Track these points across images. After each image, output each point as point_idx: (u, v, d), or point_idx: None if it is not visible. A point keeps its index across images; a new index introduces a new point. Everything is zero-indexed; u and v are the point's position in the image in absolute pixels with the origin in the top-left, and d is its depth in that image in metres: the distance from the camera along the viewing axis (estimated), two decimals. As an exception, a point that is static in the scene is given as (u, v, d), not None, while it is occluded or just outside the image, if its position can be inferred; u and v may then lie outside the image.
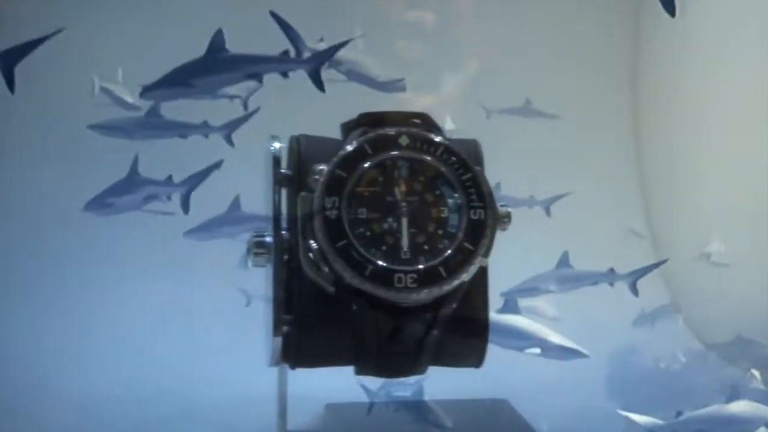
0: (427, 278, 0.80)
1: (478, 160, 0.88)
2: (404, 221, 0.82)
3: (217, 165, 2.68)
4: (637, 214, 3.64)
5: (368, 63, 2.73)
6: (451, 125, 2.61)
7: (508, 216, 0.86)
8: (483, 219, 0.83)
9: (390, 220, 0.82)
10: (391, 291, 0.79)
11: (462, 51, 3.41)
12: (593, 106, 3.58)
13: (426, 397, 2.35)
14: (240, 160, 2.19)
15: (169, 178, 2.72)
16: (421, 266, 0.81)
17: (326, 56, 2.45)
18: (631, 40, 3.66)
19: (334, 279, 0.81)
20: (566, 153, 3.42)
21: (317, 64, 2.40)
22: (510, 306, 2.55)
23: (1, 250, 2.96)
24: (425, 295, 0.80)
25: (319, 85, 2.38)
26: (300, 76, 2.42)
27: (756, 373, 2.75)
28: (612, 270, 2.84)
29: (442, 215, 0.83)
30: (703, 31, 3.34)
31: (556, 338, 2.55)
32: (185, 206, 2.71)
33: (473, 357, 0.88)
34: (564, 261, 2.86)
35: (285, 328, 0.83)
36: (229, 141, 2.71)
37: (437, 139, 0.85)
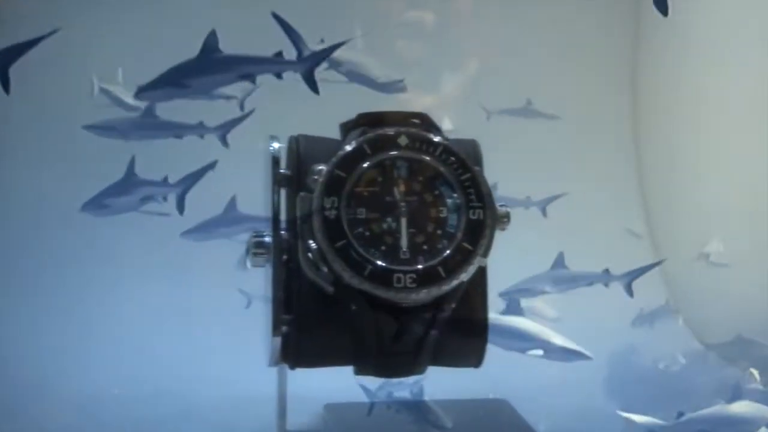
0: (426, 278, 0.80)
1: (477, 160, 0.88)
2: (403, 221, 0.82)
3: (211, 165, 2.67)
4: (637, 215, 3.63)
5: (368, 63, 2.72)
6: (449, 125, 2.60)
7: (507, 216, 0.86)
8: (482, 219, 0.83)
9: (389, 220, 0.82)
10: (390, 291, 0.80)
11: (462, 51, 3.40)
12: (593, 106, 3.57)
13: (426, 398, 2.35)
14: (237, 161, 2.18)
15: (165, 178, 2.70)
16: (420, 266, 0.81)
17: (320, 58, 2.42)
18: (631, 40, 3.65)
19: (334, 279, 0.81)
20: (565, 153, 3.41)
21: (311, 66, 2.37)
22: (513, 307, 2.55)
23: (0, 250, 2.96)
24: (424, 295, 0.80)
25: (313, 86, 2.36)
26: (299, 77, 2.42)
27: (755, 372, 2.75)
28: (607, 271, 2.83)
29: (441, 215, 0.83)
30: (703, 31, 3.33)
31: (558, 340, 2.54)
32: (180, 207, 2.70)
33: (473, 357, 0.88)
34: (559, 262, 2.85)
35: (284, 328, 0.84)
36: (224, 142, 2.70)
37: (436, 139, 0.85)
